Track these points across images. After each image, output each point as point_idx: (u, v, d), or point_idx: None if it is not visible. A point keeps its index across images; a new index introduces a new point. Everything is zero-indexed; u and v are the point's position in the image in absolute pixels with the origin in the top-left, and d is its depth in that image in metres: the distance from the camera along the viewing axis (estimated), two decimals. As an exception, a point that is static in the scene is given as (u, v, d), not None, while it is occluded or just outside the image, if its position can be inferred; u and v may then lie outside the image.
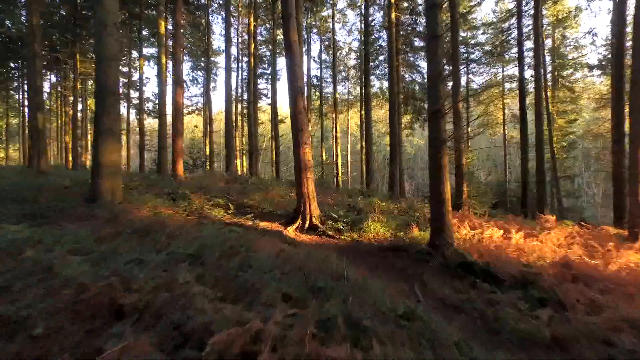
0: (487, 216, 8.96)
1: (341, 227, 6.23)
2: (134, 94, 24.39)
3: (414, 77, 22.17)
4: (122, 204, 5.64)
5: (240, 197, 7.60)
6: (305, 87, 25.70)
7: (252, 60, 15.81)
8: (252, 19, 15.56)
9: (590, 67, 17.79)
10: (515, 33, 16.57)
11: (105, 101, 5.48)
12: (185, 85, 32.68)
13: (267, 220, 6.61)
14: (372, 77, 22.06)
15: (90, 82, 27.96)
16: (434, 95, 5.11)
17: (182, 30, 10.54)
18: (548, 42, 20.03)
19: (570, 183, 23.79)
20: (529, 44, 19.64)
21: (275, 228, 6.10)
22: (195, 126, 34.31)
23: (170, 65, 25.12)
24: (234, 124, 25.29)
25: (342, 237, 5.99)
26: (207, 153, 21.26)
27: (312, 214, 6.42)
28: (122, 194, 5.90)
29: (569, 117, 18.25)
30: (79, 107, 32.16)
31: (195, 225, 5.25)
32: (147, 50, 26.98)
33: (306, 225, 6.32)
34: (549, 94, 17.91)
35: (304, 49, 25.56)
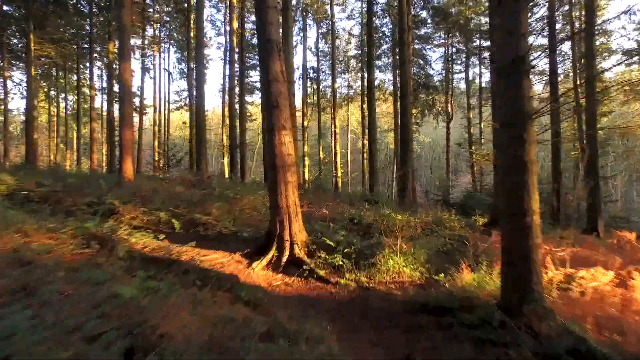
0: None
1: (340, 262, 3.83)
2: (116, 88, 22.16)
3: (421, 66, 19.91)
4: (-38, 228, 3.25)
5: (194, 210, 5.21)
6: (301, 79, 23.34)
7: (235, 39, 13.43)
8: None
9: (627, 53, 15.43)
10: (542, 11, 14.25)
11: None
12: (171, 79, 30.43)
13: (224, 248, 4.21)
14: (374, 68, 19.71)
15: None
16: (513, 31, 2.73)
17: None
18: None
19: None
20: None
21: (230, 267, 3.71)
22: (184, 122, 31.91)
23: (158, 56, 22.62)
24: (222, 119, 22.93)
25: (342, 282, 3.60)
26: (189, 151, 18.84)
27: (294, 240, 4.03)
28: (-31, 210, 3.50)
29: (601, 109, 15.87)
30: (62, 103, 29.80)
31: (70, 271, 2.88)
32: (133, 42, 24.65)
33: (284, 258, 3.93)
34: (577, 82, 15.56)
35: (299, 38, 23.21)
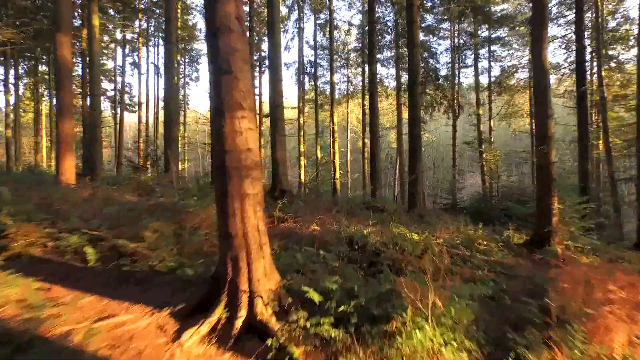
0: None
1: (332, 334, 2.25)
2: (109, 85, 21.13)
3: (426, 59, 18.39)
4: None
5: (122, 231, 3.62)
6: (297, 74, 21.74)
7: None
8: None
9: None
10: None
11: None
12: (160, 74, 28.81)
13: (147, 299, 2.61)
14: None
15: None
16: None
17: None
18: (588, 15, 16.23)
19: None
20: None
21: (140, 345, 2.09)
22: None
23: (146, 50, 21.10)
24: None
25: (334, 374, 2.01)
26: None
27: (256, 291, 2.44)
28: None
29: (629, 104, 14.31)
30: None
31: None
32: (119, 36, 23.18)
33: (237, 322, 2.33)
34: (603, 74, 14.03)
35: (295, 30, 21.62)
